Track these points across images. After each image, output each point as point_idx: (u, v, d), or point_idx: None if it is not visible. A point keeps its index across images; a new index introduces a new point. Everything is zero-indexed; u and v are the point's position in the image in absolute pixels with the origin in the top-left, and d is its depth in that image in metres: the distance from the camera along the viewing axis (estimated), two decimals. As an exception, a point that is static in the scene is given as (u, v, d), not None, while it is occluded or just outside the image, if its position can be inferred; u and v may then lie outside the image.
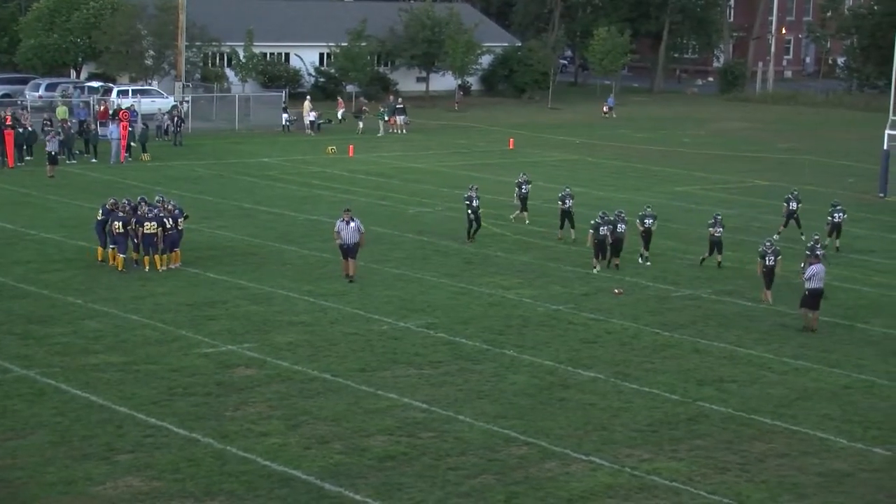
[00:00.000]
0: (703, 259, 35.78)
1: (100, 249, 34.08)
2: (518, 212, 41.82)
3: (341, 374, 24.80)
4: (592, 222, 34.91)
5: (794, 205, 40.34)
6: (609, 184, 51.85)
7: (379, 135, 67.01)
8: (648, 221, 35.83)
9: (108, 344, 26.43)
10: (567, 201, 38.82)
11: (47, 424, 21.47)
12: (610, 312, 30.37)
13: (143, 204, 33.63)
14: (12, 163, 51.33)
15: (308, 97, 71.82)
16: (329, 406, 22.85)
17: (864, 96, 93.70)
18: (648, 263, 35.49)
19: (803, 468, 20.59)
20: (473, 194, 37.98)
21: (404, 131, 68.93)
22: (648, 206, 37.31)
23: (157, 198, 34.97)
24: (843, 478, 20.25)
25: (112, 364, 24.98)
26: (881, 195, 50.45)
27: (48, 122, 53.65)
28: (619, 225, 34.80)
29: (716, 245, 35.47)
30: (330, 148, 59.23)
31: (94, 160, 53.88)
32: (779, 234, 39.56)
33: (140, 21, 76.27)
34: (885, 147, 50.98)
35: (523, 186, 41.66)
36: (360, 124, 68.03)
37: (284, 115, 68.89)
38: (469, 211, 37.89)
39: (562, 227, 38.91)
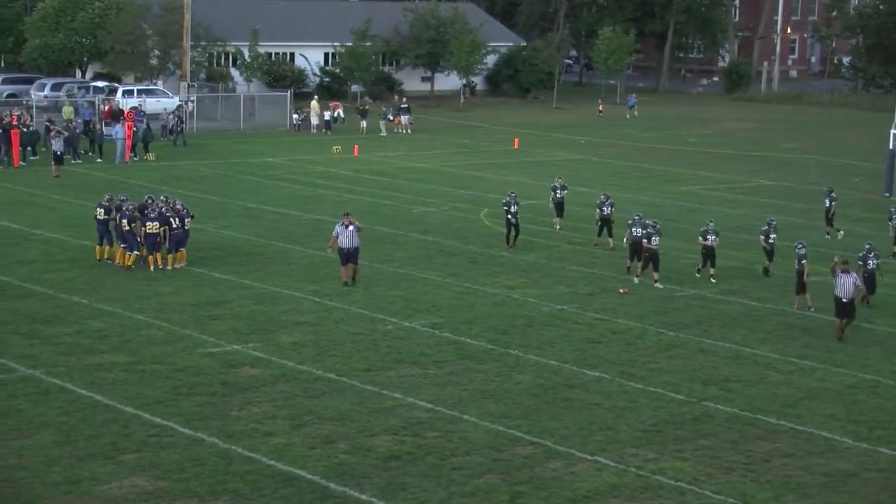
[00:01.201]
0: (766, 268, 34.49)
1: (97, 248, 34.08)
2: (556, 218, 40.75)
3: (346, 373, 24.80)
4: (629, 222, 34.28)
5: (826, 202, 40.98)
6: (614, 183, 51.78)
7: (381, 134, 67.03)
8: (711, 237, 33.84)
9: (113, 344, 26.43)
10: (605, 209, 37.89)
11: (52, 424, 21.47)
12: (615, 312, 30.35)
13: (149, 202, 33.70)
14: (17, 163, 51.40)
15: (315, 97, 71.84)
16: (334, 406, 22.84)
17: (869, 96, 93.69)
18: (713, 280, 33.66)
19: (808, 468, 20.57)
20: (512, 200, 37.25)
21: (409, 131, 68.97)
22: (711, 221, 35.37)
23: (161, 197, 34.99)
24: (848, 478, 20.23)
25: (117, 364, 24.99)
26: (886, 195, 50.42)
27: (50, 123, 53.69)
28: (653, 238, 32.99)
29: (768, 254, 34.30)
30: (335, 148, 59.27)
31: (99, 160, 53.96)
32: (839, 233, 40.79)
33: (145, 21, 76.47)
34: (891, 146, 50.95)
35: (558, 192, 40.73)
36: (363, 123, 68.07)
37: (295, 115, 68.98)
38: (508, 216, 37.28)
39: (599, 234, 38.12)
